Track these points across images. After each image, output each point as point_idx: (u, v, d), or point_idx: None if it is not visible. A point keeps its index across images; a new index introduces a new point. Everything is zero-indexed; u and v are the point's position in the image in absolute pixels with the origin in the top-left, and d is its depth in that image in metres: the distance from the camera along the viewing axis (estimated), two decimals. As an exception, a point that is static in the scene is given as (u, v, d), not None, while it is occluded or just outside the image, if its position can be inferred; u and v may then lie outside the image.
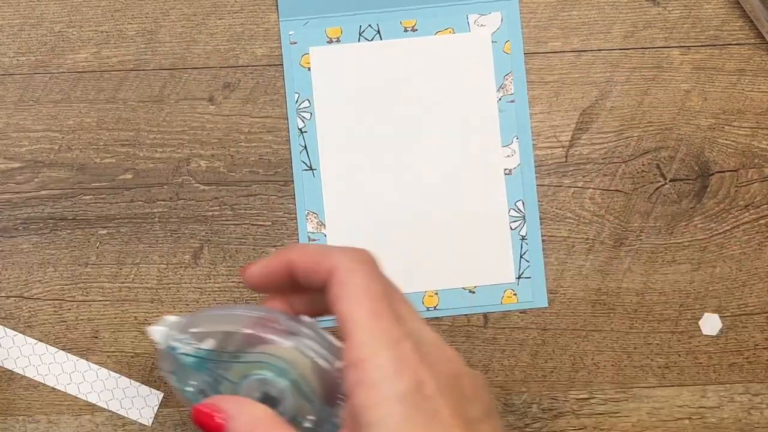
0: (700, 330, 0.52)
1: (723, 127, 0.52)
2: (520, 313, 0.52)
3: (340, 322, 0.37)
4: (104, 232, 0.52)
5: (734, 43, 0.52)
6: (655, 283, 0.52)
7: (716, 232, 0.52)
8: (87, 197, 0.52)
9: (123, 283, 0.52)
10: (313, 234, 0.51)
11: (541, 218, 0.52)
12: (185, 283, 0.52)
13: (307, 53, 0.52)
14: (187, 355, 0.38)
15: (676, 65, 0.52)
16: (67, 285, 0.52)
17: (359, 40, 0.52)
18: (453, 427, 0.36)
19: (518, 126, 0.51)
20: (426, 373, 0.37)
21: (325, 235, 0.51)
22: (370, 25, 0.52)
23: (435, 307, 0.51)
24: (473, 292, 0.51)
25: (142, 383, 0.51)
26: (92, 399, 0.51)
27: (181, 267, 0.52)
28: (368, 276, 0.38)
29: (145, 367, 0.52)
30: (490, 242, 0.51)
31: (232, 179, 0.52)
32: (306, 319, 0.39)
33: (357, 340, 0.37)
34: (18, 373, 0.52)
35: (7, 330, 0.51)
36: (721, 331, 0.52)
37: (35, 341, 0.51)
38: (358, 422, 0.36)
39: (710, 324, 0.52)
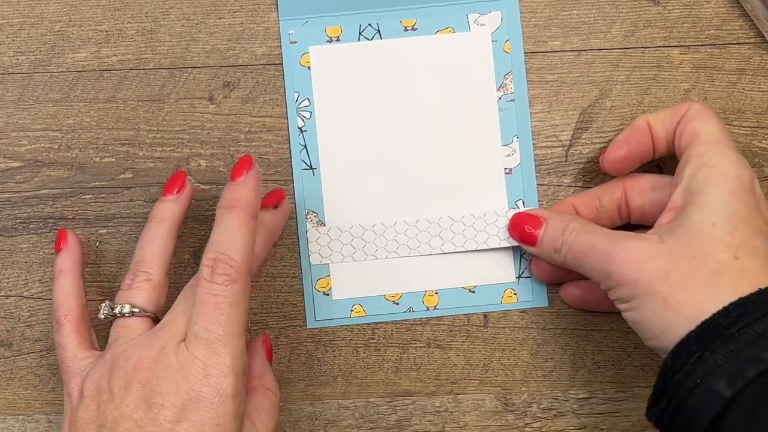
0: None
1: (723, 127, 0.52)
2: (520, 312, 0.52)
3: (689, 136, 0.45)
4: (104, 231, 0.52)
5: (734, 42, 0.52)
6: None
7: (716, 232, 0.52)
8: (87, 197, 0.52)
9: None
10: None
11: (541, 218, 0.52)
12: (185, 282, 0.51)
13: (307, 52, 0.52)
14: None
15: (676, 65, 0.52)
16: (66, 284, 0.52)
17: (359, 40, 0.52)
18: (766, 229, 0.42)
19: (518, 125, 0.51)
20: (757, 182, 0.44)
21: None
22: (370, 25, 0.52)
23: (435, 306, 0.51)
24: (473, 292, 0.51)
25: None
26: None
27: (181, 267, 0.52)
28: (717, 116, 0.46)
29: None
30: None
31: (232, 179, 0.52)
32: None
33: (704, 140, 0.44)
34: (17, 373, 0.52)
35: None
36: None
37: None
38: (693, 192, 0.42)
39: None
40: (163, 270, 0.46)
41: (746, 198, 0.42)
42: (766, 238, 0.42)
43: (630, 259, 0.42)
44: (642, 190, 0.48)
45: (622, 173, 0.49)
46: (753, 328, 0.38)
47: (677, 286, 0.41)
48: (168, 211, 0.47)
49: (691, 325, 0.40)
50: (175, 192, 0.48)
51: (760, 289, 0.39)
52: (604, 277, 0.44)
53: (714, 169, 0.43)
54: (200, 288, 0.42)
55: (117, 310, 0.45)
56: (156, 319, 0.46)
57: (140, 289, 0.45)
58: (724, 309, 0.39)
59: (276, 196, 0.49)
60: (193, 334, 0.42)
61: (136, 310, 0.45)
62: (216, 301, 0.42)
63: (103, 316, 0.45)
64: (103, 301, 0.46)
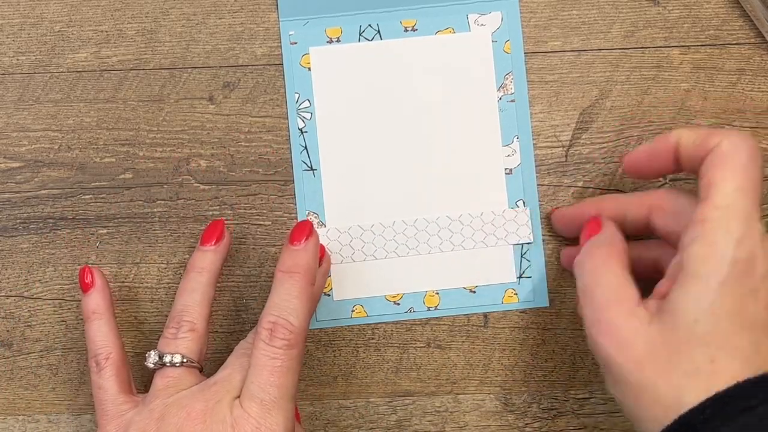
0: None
1: (723, 127, 0.52)
2: (520, 312, 0.52)
3: (705, 187, 0.40)
4: (104, 231, 0.52)
5: (734, 42, 0.52)
6: (656, 282, 0.52)
7: (716, 232, 0.52)
8: (87, 197, 0.52)
9: (123, 282, 0.52)
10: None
11: (541, 218, 0.52)
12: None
13: (307, 53, 0.52)
14: None
15: (676, 65, 0.52)
16: (67, 285, 0.52)
17: (359, 40, 0.52)
18: (762, 314, 0.39)
19: (518, 125, 0.51)
20: (763, 254, 0.39)
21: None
22: (370, 25, 0.52)
23: (436, 307, 0.51)
24: (474, 292, 0.51)
25: (142, 383, 0.51)
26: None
27: (181, 267, 0.52)
28: (750, 158, 0.40)
29: (145, 367, 0.52)
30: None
31: (232, 179, 0.52)
32: None
33: (715, 203, 0.40)
34: (17, 373, 0.52)
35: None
36: None
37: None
38: (685, 271, 0.40)
39: None
40: (205, 320, 0.47)
41: (739, 285, 0.39)
42: (755, 329, 0.39)
43: (613, 339, 0.41)
44: (664, 215, 0.45)
45: (641, 180, 0.50)
46: (729, 427, 0.37)
47: (647, 382, 0.40)
48: (208, 261, 0.49)
49: (661, 421, 0.39)
50: (213, 242, 0.49)
51: (738, 382, 0.38)
52: (590, 342, 0.43)
53: (710, 248, 0.39)
54: (258, 350, 0.43)
55: (167, 360, 0.46)
56: (200, 369, 0.47)
57: (186, 339, 0.46)
58: (700, 405, 0.38)
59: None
60: (248, 392, 0.43)
61: (185, 360, 0.46)
62: (273, 364, 0.43)
63: (151, 365, 0.46)
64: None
